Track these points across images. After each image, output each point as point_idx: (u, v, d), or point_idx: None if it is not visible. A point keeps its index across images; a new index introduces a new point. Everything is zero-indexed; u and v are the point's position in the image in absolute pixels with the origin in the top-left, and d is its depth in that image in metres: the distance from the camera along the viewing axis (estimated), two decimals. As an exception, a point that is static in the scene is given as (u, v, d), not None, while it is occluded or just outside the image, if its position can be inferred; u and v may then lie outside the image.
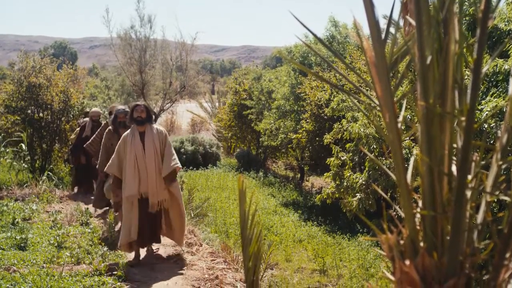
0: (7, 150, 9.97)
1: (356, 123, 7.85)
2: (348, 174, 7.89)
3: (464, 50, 1.29)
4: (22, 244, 5.94)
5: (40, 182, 9.31)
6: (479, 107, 5.78)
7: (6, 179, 9.82)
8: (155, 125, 5.88)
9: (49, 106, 11.07)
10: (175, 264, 5.84)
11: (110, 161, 5.82)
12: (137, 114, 5.70)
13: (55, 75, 11.40)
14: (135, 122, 5.73)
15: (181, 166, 5.92)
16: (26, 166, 10.05)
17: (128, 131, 5.82)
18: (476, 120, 1.42)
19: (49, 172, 9.85)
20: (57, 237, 6.21)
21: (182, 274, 5.51)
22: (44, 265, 5.34)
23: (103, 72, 31.94)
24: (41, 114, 11.09)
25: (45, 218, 7.46)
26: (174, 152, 5.90)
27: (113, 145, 6.59)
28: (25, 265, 5.29)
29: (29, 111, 10.98)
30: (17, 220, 6.96)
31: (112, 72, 23.43)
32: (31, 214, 7.46)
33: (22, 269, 5.13)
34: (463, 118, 1.24)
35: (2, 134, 10.32)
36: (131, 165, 5.62)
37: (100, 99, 18.82)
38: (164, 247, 6.44)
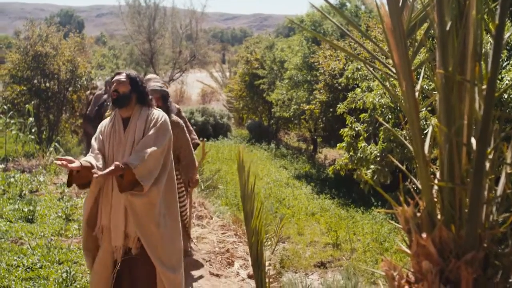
0: (13, 121, 9.87)
1: (371, 93, 7.60)
2: (362, 145, 7.69)
3: (485, 15, 1.23)
4: (29, 217, 5.90)
5: (47, 154, 9.22)
6: (499, 76, 5.54)
7: (13, 150, 9.76)
8: (157, 111, 3.36)
9: (55, 75, 10.93)
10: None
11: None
12: (113, 87, 3.24)
13: (62, 44, 11.22)
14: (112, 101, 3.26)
15: (140, 173, 3.05)
16: (32, 137, 9.95)
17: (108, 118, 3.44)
18: (496, 89, 1.27)
19: (56, 143, 9.74)
20: (65, 210, 6.16)
21: (192, 247, 5.42)
22: (52, 237, 5.31)
23: (111, 41, 31.60)
24: (47, 84, 10.97)
25: (52, 190, 7.39)
26: (154, 143, 3.16)
27: None
28: (33, 238, 5.27)
29: (35, 81, 10.86)
30: (24, 192, 6.91)
31: (120, 41, 23.15)
32: (38, 186, 7.40)
33: (30, 242, 5.08)
34: (483, 87, 1.17)
35: (8, 105, 10.21)
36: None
37: (108, 68, 18.64)
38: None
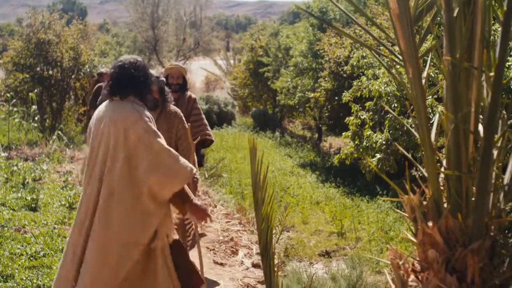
0: (16, 109, 9.83)
1: (377, 81, 7.51)
2: (368, 134, 7.62)
3: (493, 2, 1.22)
4: (33, 205, 5.87)
5: (50, 142, 9.20)
6: (507, 64, 5.44)
7: (16, 138, 9.74)
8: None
9: (58, 63, 10.90)
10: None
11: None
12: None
13: (65, 31, 11.16)
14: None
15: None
16: (35, 125, 9.93)
17: (144, 110, 2.75)
18: (504, 76, 1.21)
19: (59, 132, 9.71)
20: (69, 198, 6.13)
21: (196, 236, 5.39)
22: (56, 226, 5.27)
23: (115, 28, 31.42)
24: (50, 72, 10.93)
25: (56, 178, 7.36)
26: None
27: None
28: (36, 226, 5.23)
29: (38, 69, 10.82)
30: (27, 180, 6.87)
31: (123, 28, 23.00)
32: (41, 174, 7.36)
33: (33, 230, 5.05)
34: (491, 74, 1.15)
35: (11, 93, 10.17)
36: None
37: (112, 55, 18.53)
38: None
